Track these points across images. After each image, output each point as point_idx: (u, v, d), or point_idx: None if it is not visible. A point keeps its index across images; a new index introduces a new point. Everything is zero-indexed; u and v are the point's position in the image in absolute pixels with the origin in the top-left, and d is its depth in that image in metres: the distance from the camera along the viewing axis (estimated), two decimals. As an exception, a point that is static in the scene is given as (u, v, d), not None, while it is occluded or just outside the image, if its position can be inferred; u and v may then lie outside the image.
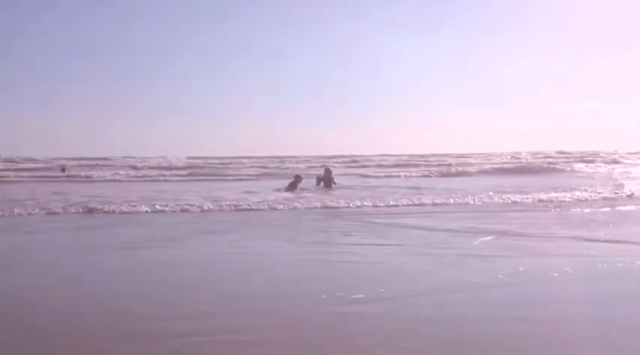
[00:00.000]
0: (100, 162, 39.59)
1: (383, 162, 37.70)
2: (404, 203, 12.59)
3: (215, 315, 4.39)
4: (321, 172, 18.88)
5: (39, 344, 3.80)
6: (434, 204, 12.50)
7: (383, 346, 3.65)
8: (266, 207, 11.91)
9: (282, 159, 48.82)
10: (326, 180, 18.21)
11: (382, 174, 25.33)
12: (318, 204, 12.09)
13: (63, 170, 29.36)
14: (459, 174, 25.99)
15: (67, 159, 44.16)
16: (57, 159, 44.06)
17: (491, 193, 14.20)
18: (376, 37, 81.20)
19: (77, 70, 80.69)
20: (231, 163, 40.77)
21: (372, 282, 5.38)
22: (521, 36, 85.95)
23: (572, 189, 15.22)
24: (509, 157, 45.69)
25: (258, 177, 24.29)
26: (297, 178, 17.71)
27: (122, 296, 5.06)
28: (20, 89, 79.45)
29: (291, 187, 17.13)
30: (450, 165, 33.67)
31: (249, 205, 12.06)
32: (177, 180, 22.84)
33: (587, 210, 11.29)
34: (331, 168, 19.44)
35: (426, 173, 26.06)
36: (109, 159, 43.76)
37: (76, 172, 27.37)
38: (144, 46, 79.46)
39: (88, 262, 6.66)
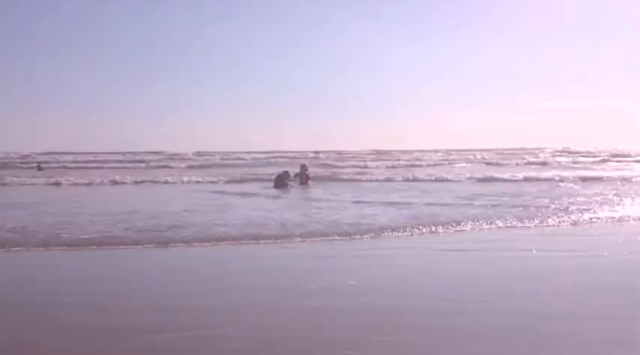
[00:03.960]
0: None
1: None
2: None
3: (192, 310, 4.28)
4: (298, 169, 18.22)
5: (9, 341, 3.66)
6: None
7: (357, 339, 3.60)
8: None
9: (286, 153, 46.53)
10: (302, 176, 17.58)
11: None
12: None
13: (39, 168, 27.41)
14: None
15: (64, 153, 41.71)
16: (36, 153, 41.89)
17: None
18: (378, 38, 78.50)
19: (80, 67, 78.26)
20: (230, 158, 38.06)
21: (348, 275, 5.29)
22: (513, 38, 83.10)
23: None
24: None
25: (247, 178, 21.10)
26: (285, 175, 17.02)
27: (98, 291, 4.86)
28: (23, 85, 77.34)
29: (278, 184, 16.54)
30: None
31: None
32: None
33: None
34: (307, 165, 18.87)
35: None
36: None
37: (52, 171, 25.11)
38: (147, 42, 76.69)
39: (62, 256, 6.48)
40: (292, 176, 17.17)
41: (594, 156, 40.79)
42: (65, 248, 6.71)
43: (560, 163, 32.21)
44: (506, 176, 19.93)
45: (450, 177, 19.62)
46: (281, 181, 16.42)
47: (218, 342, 3.58)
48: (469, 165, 32.19)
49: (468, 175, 20.32)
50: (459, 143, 60.30)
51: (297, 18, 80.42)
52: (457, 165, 31.51)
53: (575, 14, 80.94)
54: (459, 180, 18.72)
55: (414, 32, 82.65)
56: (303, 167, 18.04)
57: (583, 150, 52.09)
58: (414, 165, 31.52)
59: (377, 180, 19.28)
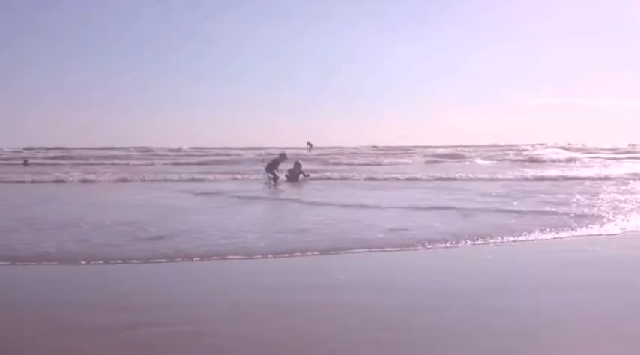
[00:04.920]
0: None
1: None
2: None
3: (178, 307, 4.27)
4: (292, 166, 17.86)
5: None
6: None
7: (342, 341, 3.52)
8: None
9: (283, 150, 44.86)
10: (292, 173, 17.28)
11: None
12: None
13: (26, 163, 28.59)
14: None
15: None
16: (25, 149, 41.52)
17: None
18: (374, 38, 77.89)
19: (74, 62, 76.87)
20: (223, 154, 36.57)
21: (328, 272, 5.31)
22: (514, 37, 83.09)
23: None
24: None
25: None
26: (282, 157, 17.15)
27: (80, 287, 4.90)
28: (21, 82, 76.14)
29: (273, 166, 16.63)
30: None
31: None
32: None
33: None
34: (300, 163, 18.14)
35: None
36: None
37: (39, 166, 25.97)
38: (145, 38, 75.07)
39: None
40: (287, 171, 17.08)
41: (597, 153, 39.53)
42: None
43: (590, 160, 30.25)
44: (546, 173, 18.38)
45: (482, 176, 18.01)
46: (274, 166, 16.63)
47: (203, 338, 3.58)
48: (494, 162, 29.99)
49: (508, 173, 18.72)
50: (449, 140, 58.87)
51: (296, 15, 79.09)
52: (480, 163, 29.59)
53: (564, 14, 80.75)
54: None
55: (408, 33, 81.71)
56: (297, 164, 17.60)
57: (583, 146, 51.26)
58: (428, 162, 29.95)
59: (377, 180, 17.69)
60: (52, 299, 4.60)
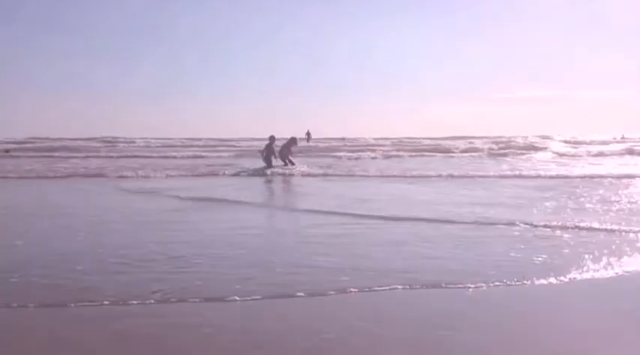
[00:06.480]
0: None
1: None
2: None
3: (163, 297, 4.15)
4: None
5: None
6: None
7: (337, 333, 3.42)
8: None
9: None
10: (282, 152, 15.53)
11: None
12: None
13: (7, 151, 28.98)
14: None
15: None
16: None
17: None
18: (360, 27, 76.32)
19: (64, 49, 73.66)
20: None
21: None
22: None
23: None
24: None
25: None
26: (271, 139, 15.53)
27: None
28: (10, 69, 73.09)
29: (269, 152, 15.38)
30: None
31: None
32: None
33: None
34: (297, 139, 16.28)
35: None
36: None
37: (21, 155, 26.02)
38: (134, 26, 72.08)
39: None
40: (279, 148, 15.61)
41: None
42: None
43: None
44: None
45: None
46: (270, 151, 15.29)
47: (188, 331, 3.48)
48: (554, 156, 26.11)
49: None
50: (437, 133, 56.31)
51: (287, 6, 76.82)
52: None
53: (552, 7, 79.92)
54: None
55: (393, 24, 79.77)
56: (292, 140, 15.76)
57: (587, 139, 49.08)
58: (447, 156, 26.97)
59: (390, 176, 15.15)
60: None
